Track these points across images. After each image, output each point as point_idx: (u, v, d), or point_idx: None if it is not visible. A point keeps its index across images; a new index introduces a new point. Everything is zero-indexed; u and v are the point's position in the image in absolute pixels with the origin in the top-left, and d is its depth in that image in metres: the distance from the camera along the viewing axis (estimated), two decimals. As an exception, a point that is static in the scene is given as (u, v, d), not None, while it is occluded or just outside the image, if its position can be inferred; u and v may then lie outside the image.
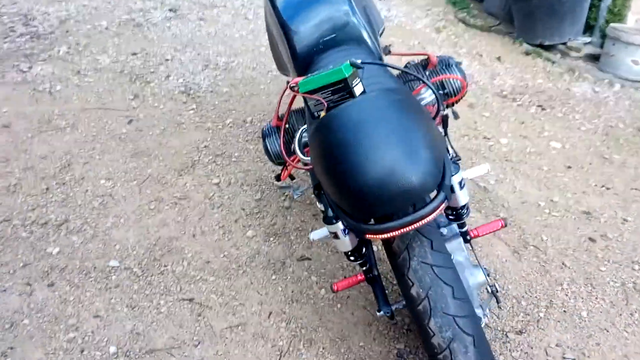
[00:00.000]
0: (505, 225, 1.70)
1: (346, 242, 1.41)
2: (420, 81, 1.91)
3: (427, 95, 1.90)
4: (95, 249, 2.26)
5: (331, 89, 1.27)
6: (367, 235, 1.20)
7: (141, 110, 3.18)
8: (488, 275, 1.62)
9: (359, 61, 1.28)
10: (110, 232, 2.35)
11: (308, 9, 1.67)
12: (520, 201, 2.57)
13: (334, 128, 1.19)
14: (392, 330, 1.91)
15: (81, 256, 2.23)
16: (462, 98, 2.05)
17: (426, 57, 1.89)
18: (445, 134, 2.00)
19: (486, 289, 1.55)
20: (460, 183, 1.41)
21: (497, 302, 1.55)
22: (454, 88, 1.88)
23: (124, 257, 2.23)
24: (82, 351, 1.87)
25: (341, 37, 1.64)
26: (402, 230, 1.17)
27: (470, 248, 1.71)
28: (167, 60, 3.69)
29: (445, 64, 1.91)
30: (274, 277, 2.15)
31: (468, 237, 1.67)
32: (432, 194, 1.19)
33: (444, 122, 1.85)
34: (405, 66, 1.94)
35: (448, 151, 2.14)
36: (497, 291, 1.54)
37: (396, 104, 1.20)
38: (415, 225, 1.16)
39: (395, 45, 4.04)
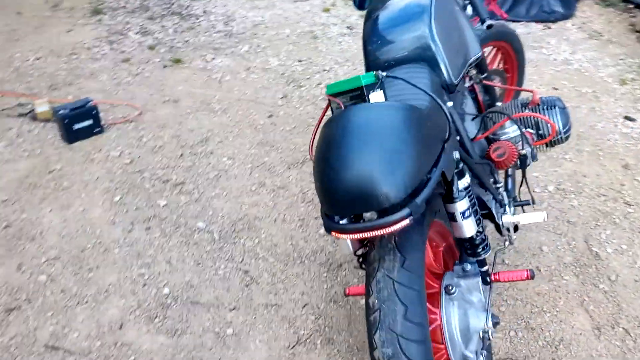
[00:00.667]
0: (532, 277, 1.53)
1: (345, 244, 1.42)
2: (504, 115, 1.83)
3: (510, 131, 1.81)
4: (192, 210, 2.60)
5: (350, 94, 1.34)
6: (332, 233, 1.22)
7: (284, 108, 3.50)
8: (497, 324, 1.48)
9: (384, 74, 1.32)
10: (211, 200, 2.67)
11: (390, 26, 1.71)
12: (634, 279, 2.21)
13: (330, 127, 1.25)
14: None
15: (180, 213, 2.58)
16: (557, 142, 1.90)
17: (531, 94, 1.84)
18: (523, 174, 1.87)
19: (479, 333, 1.43)
20: (463, 213, 1.34)
21: (482, 346, 1.41)
22: (548, 130, 1.79)
23: (211, 222, 2.52)
24: (144, 285, 2.18)
25: (412, 56, 1.64)
26: (356, 234, 1.17)
27: (489, 290, 1.57)
28: (324, 70, 3.99)
29: (549, 105, 1.85)
30: (325, 275, 2.22)
31: (488, 279, 1.55)
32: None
33: (522, 161, 1.75)
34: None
35: (508, 189, 1.96)
36: (488, 339, 1.41)
37: (396, 118, 1.20)
38: (370, 233, 1.15)
39: (564, 90, 3.75)
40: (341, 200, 1.15)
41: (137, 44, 4.35)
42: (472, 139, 1.73)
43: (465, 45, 1.77)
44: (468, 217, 1.36)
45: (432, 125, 1.27)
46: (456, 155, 1.36)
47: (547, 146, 1.89)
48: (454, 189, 1.35)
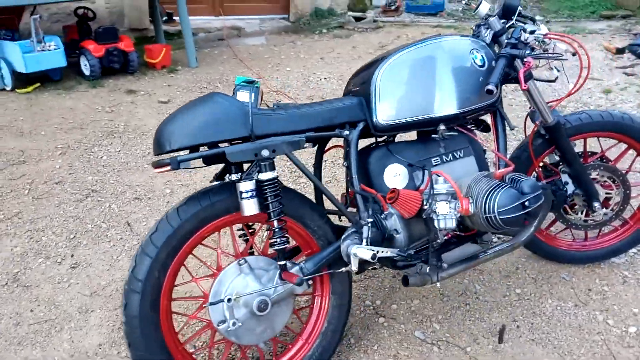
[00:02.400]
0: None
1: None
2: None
3: (441, 188, 1.68)
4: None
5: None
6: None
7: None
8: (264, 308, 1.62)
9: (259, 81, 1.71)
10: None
11: (368, 66, 1.89)
12: None
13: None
14: None
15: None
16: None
17: None
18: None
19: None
20: (247, 192, 1.53)
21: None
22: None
23: None
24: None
25: (358, 90, 1.85)
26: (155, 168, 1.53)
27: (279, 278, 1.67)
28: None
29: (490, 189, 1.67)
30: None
31: (281, 275, 1.65)
32: None
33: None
34: None
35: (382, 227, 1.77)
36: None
37: (207, 106, 1.54)
38: (155, 170, 1.54)
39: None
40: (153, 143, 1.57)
41: None
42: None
43: (428, 99, 1.76)
44: (249, 198, 1.53)
45: (221, 117, 1.52)
46: (264, 153, 1.53)
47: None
48: (234, 170, 1.57)
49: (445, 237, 1.83)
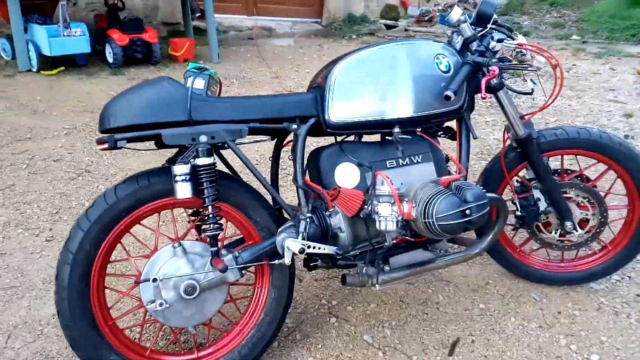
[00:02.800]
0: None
1: None
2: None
3: (383, 190, 1.65)
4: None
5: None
6: None
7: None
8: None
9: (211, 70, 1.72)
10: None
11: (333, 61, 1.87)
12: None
13: None
14: None
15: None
16: None
17: None
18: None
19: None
20: (181, 175, 1.52)
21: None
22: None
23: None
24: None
25: (318, 85, 1.83)
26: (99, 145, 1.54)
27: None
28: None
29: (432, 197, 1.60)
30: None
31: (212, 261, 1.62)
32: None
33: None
34: None
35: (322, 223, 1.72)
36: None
37: (154, 88, 1.55)
38: (98, 146, 1.55)
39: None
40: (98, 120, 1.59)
41: None
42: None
43: (383, 100, 1.72)
44: (182, 181, 1.53)
45: (162, 100, 1.53)
46: (202, 138, 1.54)
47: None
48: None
49: (394, 241, 1.78)
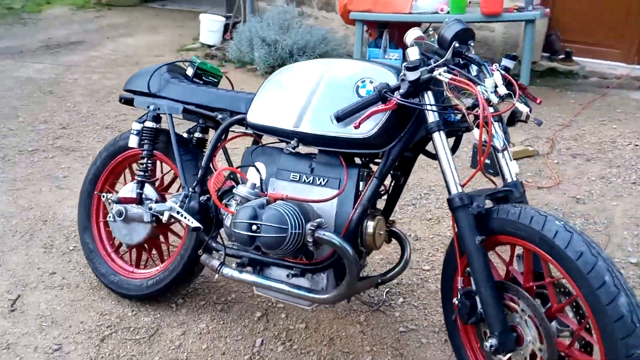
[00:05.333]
0: None
1: None
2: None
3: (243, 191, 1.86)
4: None
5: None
6: None
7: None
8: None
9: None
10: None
11: None
12: None
13: None
14: None
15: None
16: None
17: None
18: None
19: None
20: (134, 130, 2.25)
21: None
22: None
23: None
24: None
25: None
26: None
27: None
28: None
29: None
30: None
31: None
32: None
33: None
34: None
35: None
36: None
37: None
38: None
39: None
40: None
41: None
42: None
43: (291, 111, 1.84)
44: (133, 134, 2.23)
45: (141, 75, 2.26)
46: (151, 107, 2.19)
47: None
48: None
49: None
